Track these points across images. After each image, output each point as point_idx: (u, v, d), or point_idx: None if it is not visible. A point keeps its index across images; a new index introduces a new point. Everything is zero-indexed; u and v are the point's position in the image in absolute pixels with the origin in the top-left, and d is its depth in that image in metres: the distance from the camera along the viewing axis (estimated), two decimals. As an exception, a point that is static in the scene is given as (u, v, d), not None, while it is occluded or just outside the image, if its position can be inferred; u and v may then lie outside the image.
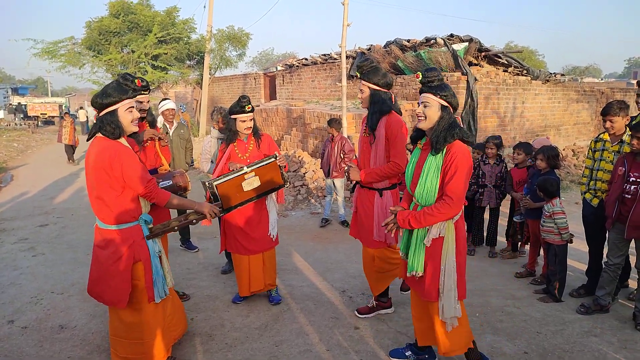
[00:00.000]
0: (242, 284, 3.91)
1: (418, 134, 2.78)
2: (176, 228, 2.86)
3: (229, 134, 3.85)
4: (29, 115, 31.42)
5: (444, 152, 2.55)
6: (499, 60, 10.98)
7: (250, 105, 3.72)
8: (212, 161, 4.76)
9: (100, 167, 2.53)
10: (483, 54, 10.80)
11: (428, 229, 2.63)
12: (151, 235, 2.71)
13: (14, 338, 3.44)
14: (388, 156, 3.32)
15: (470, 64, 10.59)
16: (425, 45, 11.06)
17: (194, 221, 2.92)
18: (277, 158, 3.63)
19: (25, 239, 6.15)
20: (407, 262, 2.76)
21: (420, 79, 2.66)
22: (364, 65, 3.33)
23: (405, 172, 2.84)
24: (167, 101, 5.23)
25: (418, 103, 2.70)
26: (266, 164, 3.60)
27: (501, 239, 5.53)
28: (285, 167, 3.74)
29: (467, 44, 10.39)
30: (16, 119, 32.01)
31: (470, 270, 4.87)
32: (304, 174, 9.15)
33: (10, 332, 3.54)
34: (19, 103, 34.19)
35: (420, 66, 10.70)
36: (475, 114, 9.82)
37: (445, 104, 2.60)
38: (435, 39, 10.75)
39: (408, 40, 11.64)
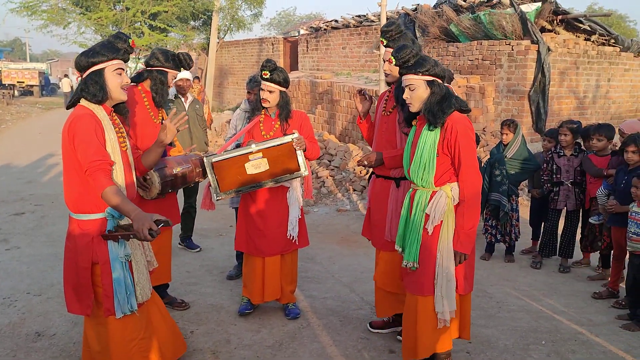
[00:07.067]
0: (254, 290, 3.95)
1: (410, 115, 3.01)
2: (119, 237, 2.64)
3: (254, 105, 3.99)
4: (3, 83, 32.32)
5: (442, 126, 2.83)
6: (580, 26, 10.76)
7: (268, 72, 3.69)
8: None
9: (64, 138, 2.62)
10: (559, 17, 10.61)
11: (429, 214, 2.87)
12: (104, 236, 2.66)
13: (-17, 345, 3.56)
14: None
15: (543, 30, 10.39)
16: (486, 6, 10.94)
17: (122, 237, 2.62)
18: (294, 140, 3.60)
19: (-2, 229, 6.34)
20: (403, 254, 3.02)
21: (394, 62, 2.90)
22: (391, 30, 3.41)
23: (403, 156, 3.07)
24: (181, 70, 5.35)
25: (402, 88, 2.95)
26: (278, 145, 3.59)
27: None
28: (306, 151, 3.71)
29: (539, 4, 10.22)
30: (-12, 87, 32.98)
31: (536, 287, 4.80)
32: (330, 161, 9.14)
33: (-21, 337, 3.66)
34: (-8, 68, 35.15)
35: (479, 32, 10.56)
36: (546, 94, 9.65)
37: (431, 78, 2.84)
38: (499, -3, 10.60)
39: (465, -1, 11.49)
